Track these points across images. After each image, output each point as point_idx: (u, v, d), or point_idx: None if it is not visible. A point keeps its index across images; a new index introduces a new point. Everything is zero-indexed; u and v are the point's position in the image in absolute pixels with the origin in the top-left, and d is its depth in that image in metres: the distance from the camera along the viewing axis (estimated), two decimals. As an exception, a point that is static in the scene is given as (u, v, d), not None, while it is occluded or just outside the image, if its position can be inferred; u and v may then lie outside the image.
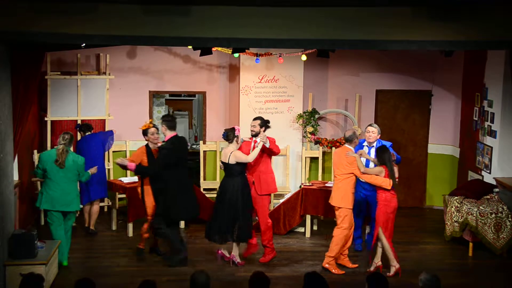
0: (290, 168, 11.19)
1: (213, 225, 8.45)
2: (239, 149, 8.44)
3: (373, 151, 8.78)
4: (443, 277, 6.13)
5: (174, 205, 8.38)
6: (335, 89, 11.58)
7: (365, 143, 8.98)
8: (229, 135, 8.40)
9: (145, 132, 8.70)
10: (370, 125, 9.05)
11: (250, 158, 8.30)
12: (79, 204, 8.54)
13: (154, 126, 8.75)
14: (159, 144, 8.58)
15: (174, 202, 8.37)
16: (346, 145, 8.40)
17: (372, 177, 8.20)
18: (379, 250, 8.37)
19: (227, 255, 8.65)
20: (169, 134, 8.44)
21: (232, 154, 8.29)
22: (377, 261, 8.41)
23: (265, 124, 8.62)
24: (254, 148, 8.45)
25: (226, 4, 6.93)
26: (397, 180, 8.24)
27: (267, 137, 8.45)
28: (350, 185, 8.33)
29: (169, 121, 8.47)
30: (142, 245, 8.83)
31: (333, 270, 8.41)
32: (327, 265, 8.46)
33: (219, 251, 8.67)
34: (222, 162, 8.46)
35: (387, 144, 8.74)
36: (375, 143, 8.90)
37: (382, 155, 8.22)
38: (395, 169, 8.28)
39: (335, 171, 8.50)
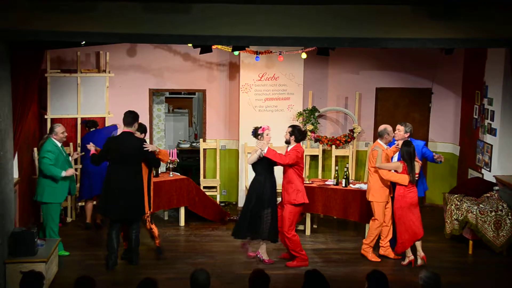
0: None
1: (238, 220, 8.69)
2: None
3: None
4: (443, 275, 6.14)
5: (101, 200, 8.40)
6: (335, 87, 11.58)
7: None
8: (256, 132, 8.51)
9: None
10: (400, 123, 9.00)
11: (249, 160, 8.45)
12: (44, 198, 8.52)
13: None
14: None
15: (103, 197, 8.35)
16: (378, 140, 8.68)
17: (389, 173, 8.34)
18: (417, 243, 8.57)
19: (251, 251, 8.79)
20: (123, 129, 8.40)
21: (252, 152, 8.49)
22: (409, 254, 8.63)
23: (294, 133, 8.36)
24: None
25: (226, 2, 6.92)
26: (417, 176, 8.35)
27: (289, 148, 8.39)
28: (377, 179, 8.52)
29: (125, 116, 8.39)
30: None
31: (369, 256, 8.71)
32: (363, 252, 8.77)
33: (245, 244, 8.80)
34: None
35: (421, 143, 8.85)
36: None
37: (401, 149, 8.37)
38: (417, 165, 8.38)
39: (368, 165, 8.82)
